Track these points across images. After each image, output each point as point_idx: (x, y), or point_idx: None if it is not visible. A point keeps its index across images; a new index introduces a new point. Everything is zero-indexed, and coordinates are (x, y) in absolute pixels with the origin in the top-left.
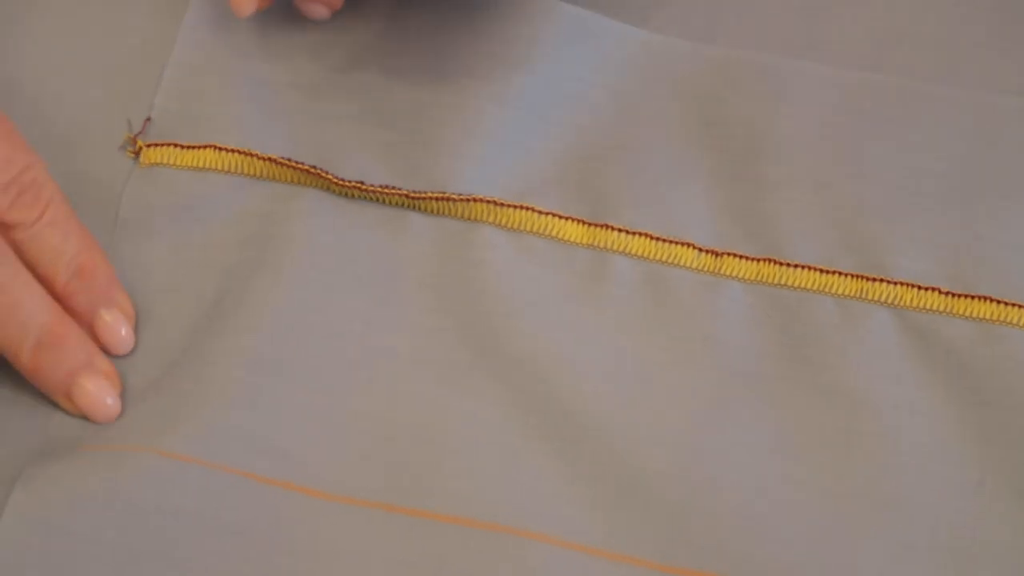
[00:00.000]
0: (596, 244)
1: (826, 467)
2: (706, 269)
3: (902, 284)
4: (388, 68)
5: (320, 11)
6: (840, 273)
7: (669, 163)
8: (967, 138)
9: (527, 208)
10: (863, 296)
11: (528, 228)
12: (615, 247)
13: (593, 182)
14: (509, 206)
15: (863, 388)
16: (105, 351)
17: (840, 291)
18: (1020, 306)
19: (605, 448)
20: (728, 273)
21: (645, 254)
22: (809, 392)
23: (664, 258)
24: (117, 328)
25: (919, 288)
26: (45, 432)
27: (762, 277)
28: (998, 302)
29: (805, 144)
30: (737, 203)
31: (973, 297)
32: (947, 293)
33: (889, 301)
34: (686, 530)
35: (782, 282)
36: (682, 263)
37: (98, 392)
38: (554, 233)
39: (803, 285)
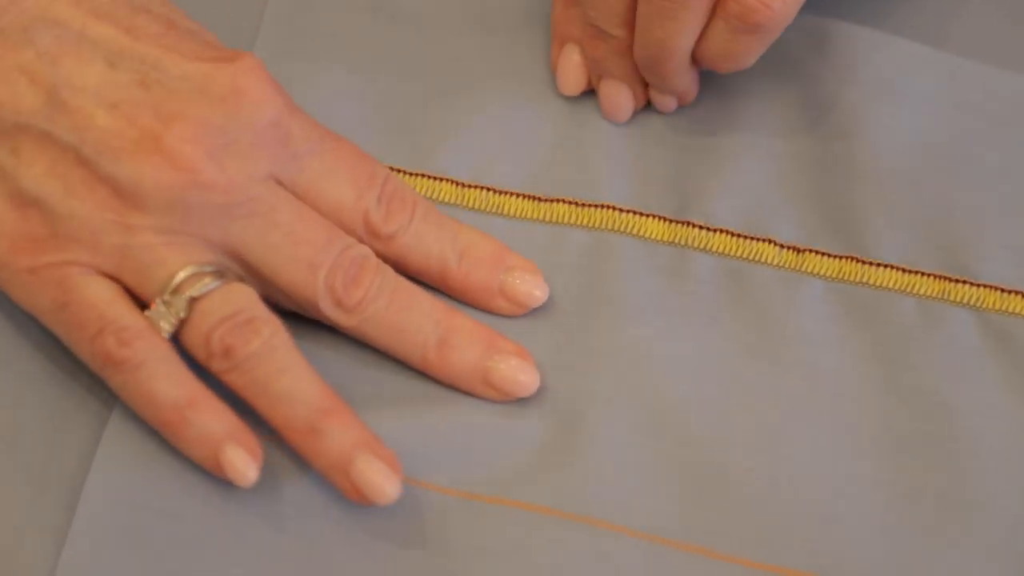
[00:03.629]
0: (677, 241)
1: (904, 468)
2: (787, 266)
3: (985, 286)
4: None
5: (670, 105)
6: (923, 273)
7: (758, 148)
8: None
9: (608, 207)
10: (945, 297)
11: (609, 227)
12: (696, 244)
13: (679, 174)
14: (590, 206)
15: (943, 390)
16: (519, 308)
17: (922, 291)
18: None
19: (685, 441)
20: (809, 270)
21: (726, 251)
22: (889, 392)
23: (745, 255)
24: (524, 285)
25: (1002, 291)
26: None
27: (843, 275)
28: None
29: (900, 136)
30: (824, 194)
31: None
32: None
33: (971, 303)
34: (763, 526)
35: (863, 280)
36: (763, 260)
37: (512, 371)
38: (635, 231)
39: (884, 284)
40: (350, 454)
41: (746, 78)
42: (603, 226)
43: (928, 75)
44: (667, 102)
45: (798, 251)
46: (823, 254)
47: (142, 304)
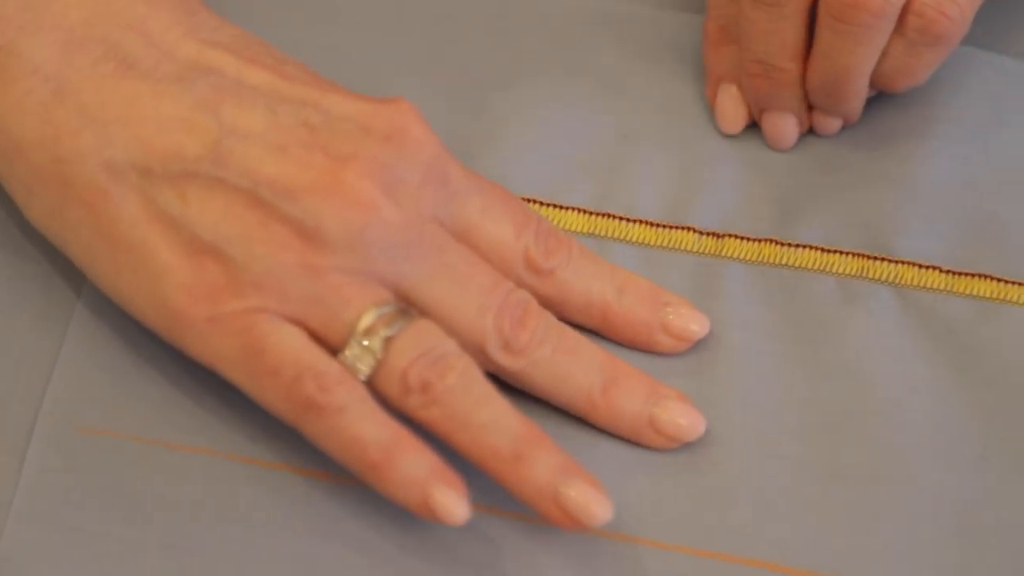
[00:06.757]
0: (596, 232)
1: (830, 447)
2: (707, 251)
3: (903, 263)
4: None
5: (835, 127)
6: (841, 252)
7: (677, 137)
8: (979, 107)
9: (531, 200)
10: (864, 275)
11: None
12: (615, 235)
13: (605, 165)
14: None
15: (865, 367)
16: (681, 343)
17: (841, 270)
18: (1020, 284)
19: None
20: (729, 255)
21: (645, 241)
22: (811, 371)
23: (664, 243)
24: (685, 320)
25: (920, 267)
26: (39, 410)
27: (763, 257)
28: (998, 280)
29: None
30: (742, 181)
31: (973, 275)
32: (948, 271)
33: (890, 280)
34: (690, 510)
35: (783, 262)
36: (683, 247)
37: (674, 415)
38: (556, 222)
39: (804, 265)
40: (557, 479)
41: (656, 65)
42: None
43: None
44: (833, 124)
45: (718, 236)
46: (742, 238)
47: (324, 346)
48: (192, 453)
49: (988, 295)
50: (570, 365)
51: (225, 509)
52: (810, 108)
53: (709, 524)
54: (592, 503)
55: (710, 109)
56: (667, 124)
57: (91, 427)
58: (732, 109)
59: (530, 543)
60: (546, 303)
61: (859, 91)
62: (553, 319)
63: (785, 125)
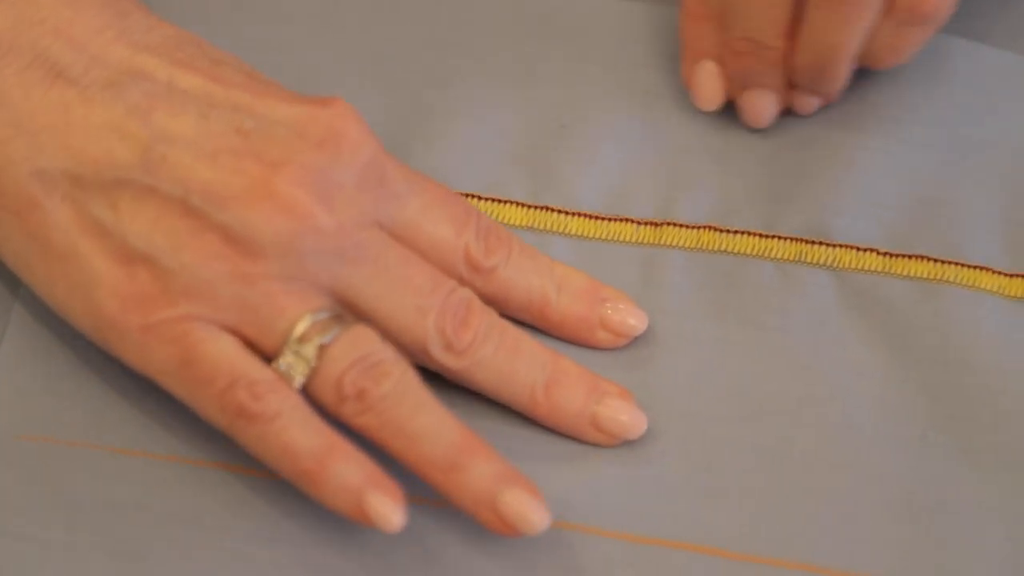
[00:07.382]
0: (535, 226)
1: (773, 431)
2: (646, 241)
3: (841, 246)
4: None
5: (813, 106)
6: (779, 237)
7: (614, 130)
8: (915, 90)
9: (470, 196)
10: (803, 259)
11: None
12: (554, 228)
13: (543, 157)
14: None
15: (806, 351)
16: (620, 338)
17: (780, 255)
18: (957, 264)
19: None
20: (669, 243)
21: (584, 233)
22: (753, 357)
23: (603, 235)
24: (623, 315)
25: (857, 249)
26: None
27: (702, 244)
28: (935, 260)
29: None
30: (686, 168)
31: (910, 256)
32: (885, 253)
33: (828, 263)
34: (645, 501)
35: (722, 248)
36: (621, 239)
37: (615, 412)
38: (494, 217)
39: (743, 251)
40: (494, 487)
41: (590, 53)
42: None
43: None
44: (812, 103)
45: (656, 225)
46: (681, 226)
47: (260, 354)
48: (134, 456)
49: (926, 275)
50: (513, 363)
51: (169, 512)
52: (790, 86)
53: (655, 512)
54: (530, 511)
55: (680, 90)
56: (604, 113)
57: (30, 434)
58: (710, 86)
59: (467, 528)
60: (488, 301)
61: (846, 69)
62: (496, 317)
63: (766, 103)
